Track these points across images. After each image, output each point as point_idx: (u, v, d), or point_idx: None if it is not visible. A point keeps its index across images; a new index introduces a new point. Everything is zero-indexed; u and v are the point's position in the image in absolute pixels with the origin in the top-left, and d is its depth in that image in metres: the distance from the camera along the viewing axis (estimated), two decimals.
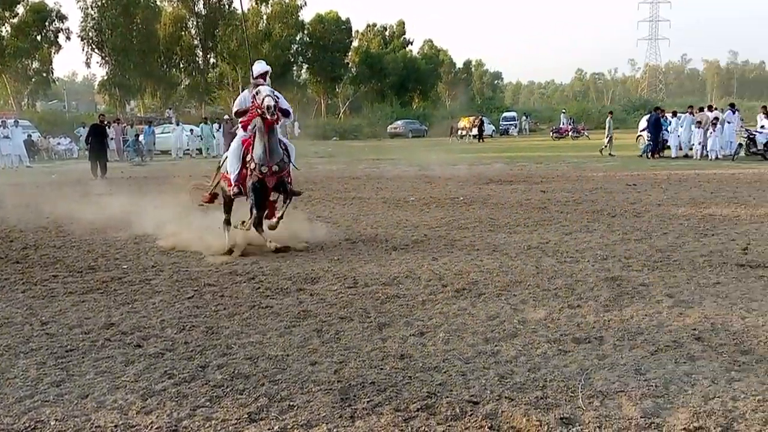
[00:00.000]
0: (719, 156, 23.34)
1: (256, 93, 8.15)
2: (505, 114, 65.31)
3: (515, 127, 61.20)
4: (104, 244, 9.50)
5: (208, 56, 69.96)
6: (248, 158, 8.33)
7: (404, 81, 76.64)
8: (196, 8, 67.77)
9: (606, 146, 27.55)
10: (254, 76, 8.62)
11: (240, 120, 8.65)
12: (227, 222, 8.88)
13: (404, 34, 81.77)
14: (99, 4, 61.88)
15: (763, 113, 24.00)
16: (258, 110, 8.10)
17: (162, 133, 37.17)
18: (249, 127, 8.46)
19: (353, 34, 77.74)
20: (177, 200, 11.18)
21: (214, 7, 67.58)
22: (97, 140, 22.94)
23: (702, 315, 5.41)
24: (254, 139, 8.32)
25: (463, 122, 50.44)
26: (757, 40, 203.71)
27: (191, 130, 37.13)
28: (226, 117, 41.75)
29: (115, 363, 4.65)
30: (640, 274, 6.88)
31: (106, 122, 27.15)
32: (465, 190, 15.49)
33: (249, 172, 8.31)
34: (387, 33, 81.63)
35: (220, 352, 4.80)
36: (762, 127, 23.50)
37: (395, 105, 71.06)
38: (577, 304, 5.83)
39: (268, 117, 7.95)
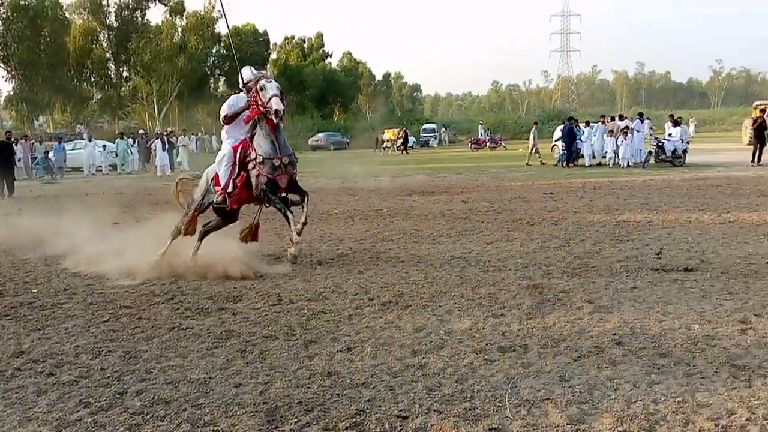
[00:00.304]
0: (631, 164, 24.23)
1: (261, 88, 7.48)
2: (425, 126, 66.12)
3: (435, 138, 62.07)
4: (12, 266, 9.04)
5: (121, 69, 68.14)
6: (251, 156, 7.65)
7: (324, 93, 76.67)
8: (107, 20, 65.90)
9: (537, 155, 28.14)
10: (244, 82, 7.86)
11: (240, 119, 7.84)
12: (177, 234, 8.22)
13: (323, 46, 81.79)
14: (4, 16, 59.33)
15: (671, 121, 25.08)
16: (262, 108, 7.48)
17: (73, 149, 35.79)
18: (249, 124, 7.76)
19: (271, 47, 77.35)
20: (90, 218, 10.76)
21: (126, 20, 65.87)
22: (3, 158, 22.11)
23: (621, 320, 5.55)
24: (254, 137, 7.66)
25: (388, 134, 50.99)
26: (662, 51, 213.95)
27: (104, 146, 35.96)
28: (141, 131, 40.85)
29: (26, 393, 4.40)
30: (561, 281, 7.03)
31: (12, 139, 26.09)
32: (388, 201, 15.55)
33: (256, 171, 7.59)
34: (306, 45, 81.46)
35: (139, 378, 4.61)
36: (670, 135, 24.51)
37: (316, 117, 70.95)
38: (500, 313, 5.90)
39: (274, 120, 7.48)
